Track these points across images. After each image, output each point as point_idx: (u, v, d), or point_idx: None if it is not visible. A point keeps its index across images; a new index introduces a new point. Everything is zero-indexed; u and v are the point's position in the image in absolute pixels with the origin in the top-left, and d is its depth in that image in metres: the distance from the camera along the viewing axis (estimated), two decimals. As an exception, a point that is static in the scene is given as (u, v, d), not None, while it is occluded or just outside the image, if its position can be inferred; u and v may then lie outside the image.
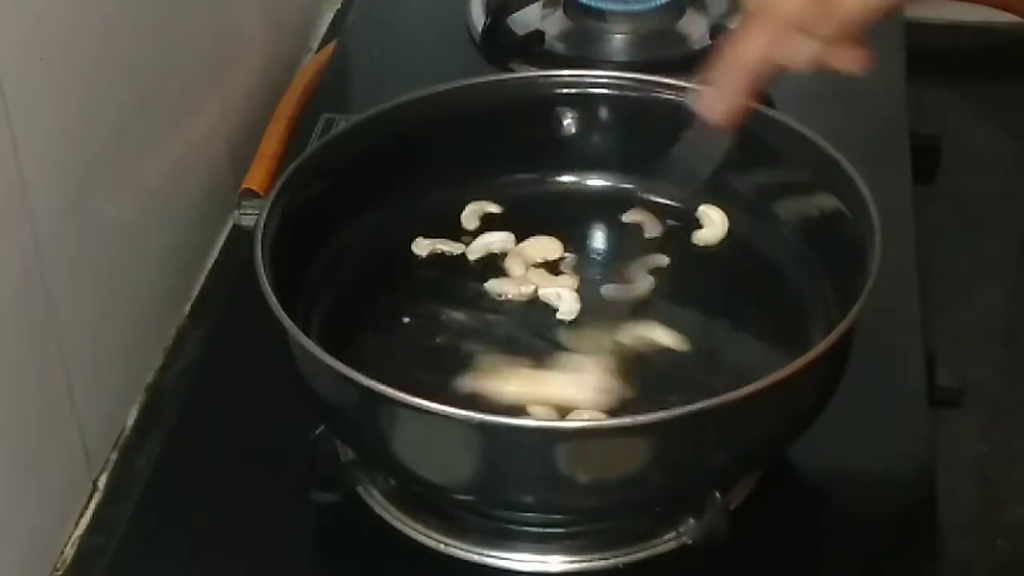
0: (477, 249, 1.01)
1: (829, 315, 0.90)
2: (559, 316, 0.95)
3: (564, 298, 0.96)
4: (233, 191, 1.17)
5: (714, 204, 1.02)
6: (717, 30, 1.27)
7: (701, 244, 1.01)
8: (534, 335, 0.94)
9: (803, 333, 0.92)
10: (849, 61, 0.85)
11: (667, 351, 0.93)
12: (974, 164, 1.32)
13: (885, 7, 0.83)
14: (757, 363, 0.88)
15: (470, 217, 1.03)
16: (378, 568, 0.89)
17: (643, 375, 0.91)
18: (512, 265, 0.99)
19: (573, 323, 0.95)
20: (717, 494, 0.84)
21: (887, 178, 1.05)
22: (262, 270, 0.86)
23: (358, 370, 0.80)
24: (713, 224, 1.02)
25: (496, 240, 1.01)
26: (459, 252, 1.01)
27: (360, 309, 0.97)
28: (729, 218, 1.01)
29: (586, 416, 0.87)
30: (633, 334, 0.94)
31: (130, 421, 1.04)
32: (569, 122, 1.04)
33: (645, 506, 0.87)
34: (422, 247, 1.01)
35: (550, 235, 1.01)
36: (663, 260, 0.99)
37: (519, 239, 1.01)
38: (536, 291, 0.97)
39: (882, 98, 1.22)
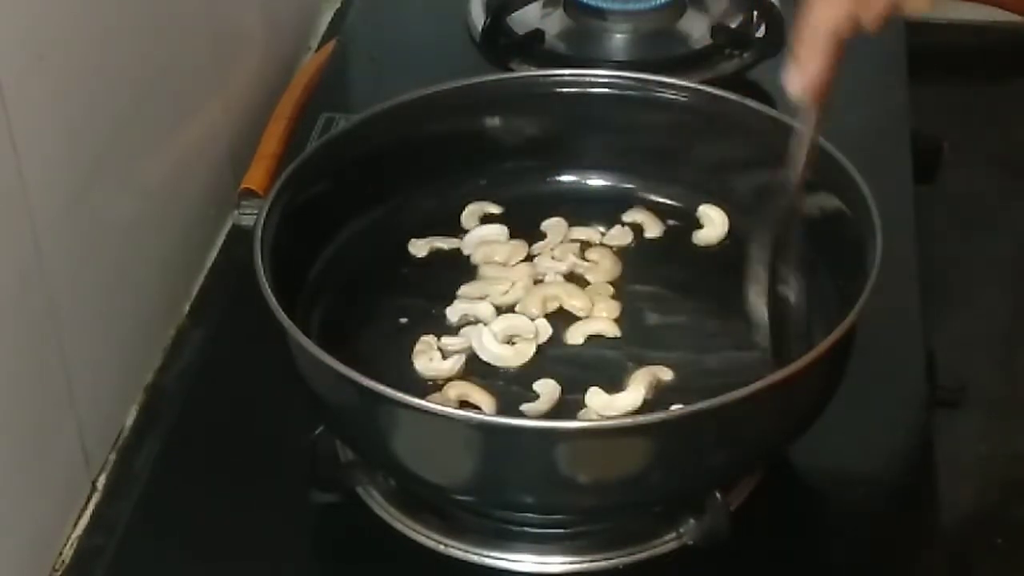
0: (471, 242, 1.01)
1: (829, 315, 0.90)
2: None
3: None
4: (233, 191, 1.17)
5: (714, 204, 1.02)
6: (718, 29, 1.27)
7: (701, 244, 1.01)
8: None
9: (804, 333, 0.92)
10: (918, 1, 0.83)
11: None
12: (975, 164, 1.32)
13: None
14: (757, 363, 0.88)
15: (470, 217, 1.03)
16: (378, 568, 0.88)
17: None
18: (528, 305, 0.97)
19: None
20: (717, 494, 0.83)
21: (888, 178, 1.05)
22: (261, 270, 0.86)
23: (358, 370, 0.80)
24: (713, 224, 1.02)
25: (490, 232, 1.02)
26: (454, 247, 1.01)
27: (360, 309, 0.97)
28: (729, 218, 1.01)
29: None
30: (582, 332, 0.95)
31: (129, 421, 1.04)
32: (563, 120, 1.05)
33: (645, 506, 0.87)
34: (420, 247, 1.01)
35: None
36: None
37: (518, 239, 1.01)
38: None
39: (883, 98, 1.22)
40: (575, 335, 0.94)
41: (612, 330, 0.94)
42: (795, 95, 0.84)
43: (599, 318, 0.95)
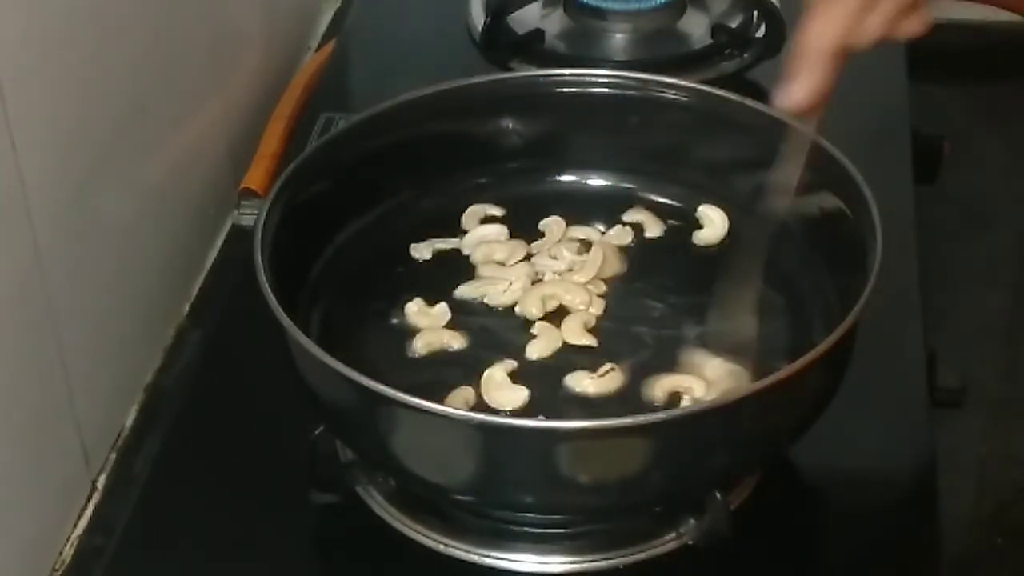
0: (471, 242, 1.01)
1: (830, 315, 0.90)
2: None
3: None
4: (232, 191, 1.17)
5: (714, 204, 1.02)
6: (718, 29, 1.27)
7: (701, 244, 1.01)
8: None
9: (804, 333, 0.92)
10: (913, 25, 0.84)
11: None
12: (975, 164, 1.32)
13: None
14: (758, 363, 0.88)
15: (470, 219, 1.03)
16: (378, 568, 0.88)
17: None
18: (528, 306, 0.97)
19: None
20: (718, 494, 0.83)
21: (888, 178, 1.05)
22: (261, 270, 0.86)
23: (358, 370, 0.80)
24: (713, 224, 1.02)
25: (490, 232, 1.02)
26: (453, 247, 1.01)
27: (360, 309, 0.97)
28: (729, 218, 1.01)
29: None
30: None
31: (129, 421, 1.04)
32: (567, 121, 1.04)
33: (645, 506, 0.87)
34: (423, 249, 1.01)
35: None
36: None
37: (518, 239, 1.01)
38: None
39: (883, 98, 1.22)
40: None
41: (588, 340, 0.94)
42: (791, 110, 0.85)
43: (577, 330, 0.94)
